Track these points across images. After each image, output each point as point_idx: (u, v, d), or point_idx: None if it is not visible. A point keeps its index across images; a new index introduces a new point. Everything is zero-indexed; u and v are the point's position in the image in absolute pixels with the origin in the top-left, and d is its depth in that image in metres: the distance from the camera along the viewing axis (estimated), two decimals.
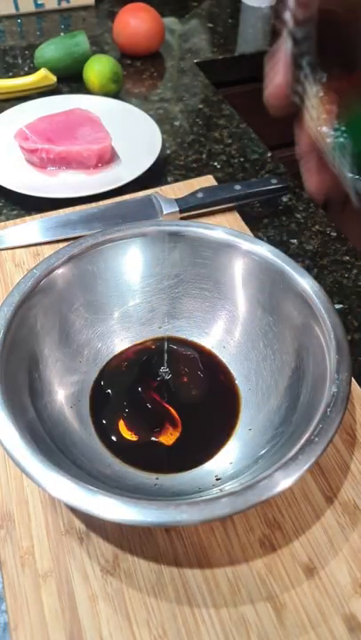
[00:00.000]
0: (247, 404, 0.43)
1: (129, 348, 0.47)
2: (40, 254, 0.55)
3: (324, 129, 0.30)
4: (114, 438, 0.42)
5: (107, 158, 0.67)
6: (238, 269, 0.46)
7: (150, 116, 0.73)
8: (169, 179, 0.68)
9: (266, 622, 0.34)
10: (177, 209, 0.58)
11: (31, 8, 1.00)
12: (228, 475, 0.39)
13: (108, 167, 0.67)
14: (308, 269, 0.56)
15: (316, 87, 0.30)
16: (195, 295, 0.48)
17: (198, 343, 0.47)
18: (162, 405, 0.43)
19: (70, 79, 0.84)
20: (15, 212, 0.62)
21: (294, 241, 0.61)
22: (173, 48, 0.94)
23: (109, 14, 1.01)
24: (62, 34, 0.95)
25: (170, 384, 0.45)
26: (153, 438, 0.42)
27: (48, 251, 0.55)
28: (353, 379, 0.45)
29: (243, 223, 0.60)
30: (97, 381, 0.45)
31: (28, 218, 0.59)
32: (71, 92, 0.82)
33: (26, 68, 0.87)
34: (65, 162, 0.66)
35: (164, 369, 0.46)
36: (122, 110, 0.75)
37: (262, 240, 0.46)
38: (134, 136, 0.70)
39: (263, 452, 0.38)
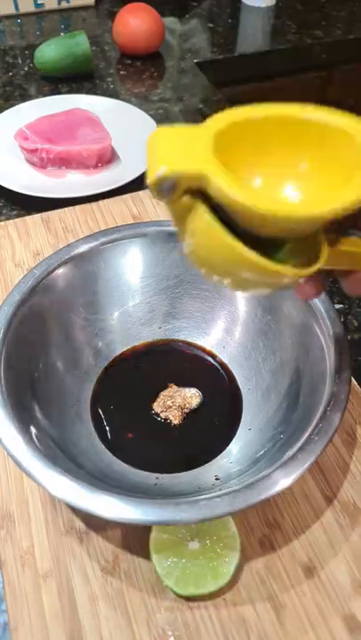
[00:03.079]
0: (247, 403, 0.43)
1: (129, 349, 0.47)
2: (40, 254, 0.55)
3: None
4: (114, 438, 0.42)
5: (107, 158, 0.67)
6: None
7: (150, 115, 0.73)
8: None
9: (266, 622, 0.34)
10: None
11: (31, 8, 1.00)
12: (227, 474, 0.39)
13: (108, 167, 0.67)
14: None
15: None
16: (195, 295, 0.48)
17: (198, 343, 0.47)
18: (162, 405, 0.43)
19: (70, 79, 0.84)
20: (15, 212, 0.62)
21: None
22: (173, 48, 0.94)
23: (109, 14, 1.01)
24: (62, 34, 0.95)
25: (170, 384, 0.45)
26: (153, 438, 0.42)
27: (48, 251, 0.55)
28: (353, 378, 0.45)
29: None
30: (97, 381, 0.45)
31: (27, 218, 0.59)
32: (71, 91, 0.82)
33: (26, 68, 0.87)
34: (65, 162, 0.66)
35: (164, 370, 0.46)
36: (122, 110, 0.75)
37: None
38: (134, 136, 0.70)
39: (263, 451, 0.38)
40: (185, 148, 0.22)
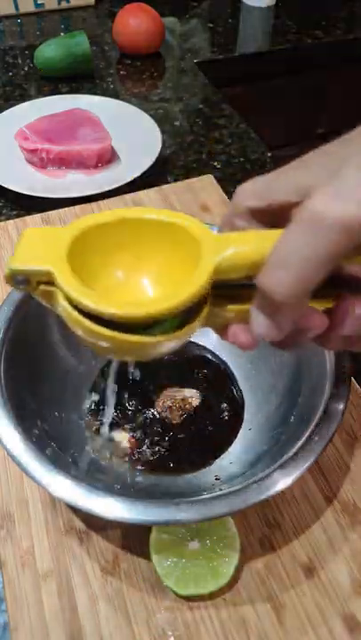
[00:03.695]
0: (247, 403, 0.43)
1: None
2: None
3: None
4: (114, 438, 0.42)
5: (107, 158, 0.67)
6: None
7: (150, 115, 0.73)
8: (169, 179, 0.68)
9: (266, 622, 0.34)
10: None
11: (31, 8, 1.00)
12: (227, 474, 0.39)
13: (108, 167, 0.67)
14: None
15: None
16: None
17: (199, 343, 0.47)
18: (162, 405, 0.43)
19: (70, 79, 0.84)
20: (15, 212, 0.62)
21: None
22: (173, 48, 0.94)
23: (109, 14, 1.01)
24: (62, 34, 0.95)
25: (170, 384, 0.45)
26: (154, 438, 0.42)
27: None
28: (353, 378, 0.45)
29: None
30: (97, 380, 0.45)
31: (27, 218, 0.59)
32: (71, 91, 0.82)
33: (26, 68, 0.87)
34: (65, 162, 0.66)
35: (164, 369, 0.46)
36: (122, 110, 0.75)
37: None
38: (134, 136, 0.70)
39: (263, 451, 0.38)
40: (43, 247, 0.24)
